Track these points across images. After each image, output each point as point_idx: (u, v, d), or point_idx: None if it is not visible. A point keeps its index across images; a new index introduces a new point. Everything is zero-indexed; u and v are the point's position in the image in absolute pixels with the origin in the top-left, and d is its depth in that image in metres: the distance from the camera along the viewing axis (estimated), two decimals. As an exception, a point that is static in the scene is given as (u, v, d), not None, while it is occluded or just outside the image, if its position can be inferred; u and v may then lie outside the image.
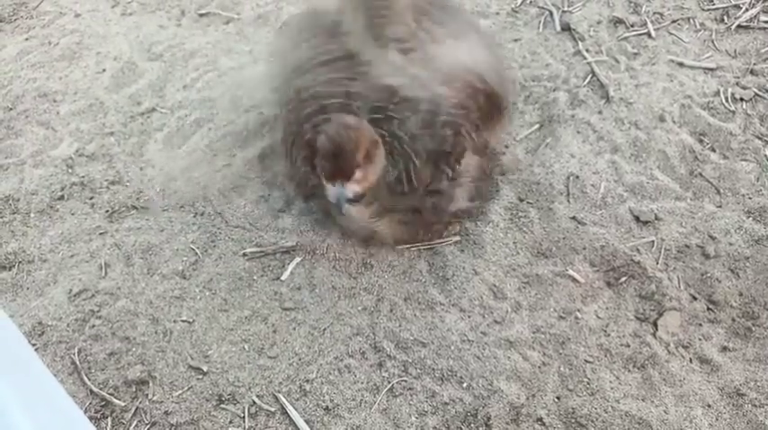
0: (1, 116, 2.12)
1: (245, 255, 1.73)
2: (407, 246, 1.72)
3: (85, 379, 1.52)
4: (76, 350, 1.57)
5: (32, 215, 1.85)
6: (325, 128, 1.43)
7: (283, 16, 2.38)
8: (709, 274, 1.64)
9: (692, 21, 2.21)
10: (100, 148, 2.01)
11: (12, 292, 1.69)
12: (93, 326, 1.61)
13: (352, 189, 1.41)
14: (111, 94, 2.17)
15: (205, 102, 2.12)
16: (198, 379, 1.52)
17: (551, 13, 2.28)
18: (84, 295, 1.67)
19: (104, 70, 2.25)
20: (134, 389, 1.51)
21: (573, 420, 1.44)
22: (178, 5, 2.48)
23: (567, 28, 2.23)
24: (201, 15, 2.43)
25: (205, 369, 1.53)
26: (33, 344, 1.57)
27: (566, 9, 2.29)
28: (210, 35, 2.36)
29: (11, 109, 2.15)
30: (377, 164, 1.45)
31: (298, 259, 1.72)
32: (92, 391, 1.50)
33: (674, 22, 2.22)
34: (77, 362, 1.55)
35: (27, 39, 2.40)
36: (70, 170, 1.96)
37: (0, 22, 2.47)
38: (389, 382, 1.50)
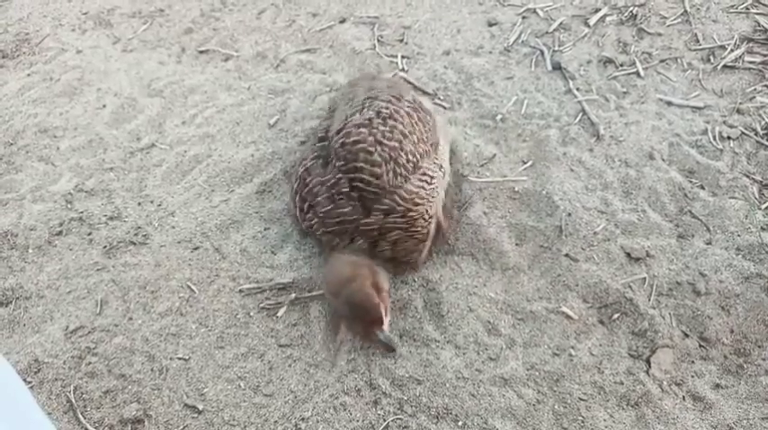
0: (1, 151, 2.15)
1: (241, 291, 1.75)
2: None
3: (81, 417, 1.52)
4: (72, 388, 1.57)
5: (31, 250, 1.87)
6: (342, 293, 1.51)
7: (281, 54, 2.44)
8: (700, 311, 1.66)
9: (679, 60, 2.28)
10: (99, 184, 2.04)
11: (8, 329, 1.69)
12: (90, 363, 1.61)
13: (386, 324, 1.51)
14: (111, 129, 2.20)
15: (204, 138, 2.16)
16: (193, 417, 1.52)
17: (542, 53, 2.35)
18: (81, 332, 1.67)
19: (105, 106, 2.28)
20: (129, 429, 1.50)
21: (568, 459, 1.44)
22: (178, 43, 2.53)
23: (557, 67, 2.29)
24: (201, 52, 2.48)
25: (200, 407, 1.53)
26: (29, 382, 1.57)
27: (556, 49, 2.35)
28: (210, 72, 2.40)
29: (11, 144, 2.18)
30: (384, 283, 1.57)
31: (294, 295, 1.73)
32: (87, 430, 1.50)
33: (662, 61, 2.28)
34: (73, 400, 1.55)
35: (29, 74, 2.44)
36: (69, 205, 1.98)
37: (3, 57, 2.52)
38: (385, 420, 1.51)
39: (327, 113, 1.95)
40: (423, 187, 1.63)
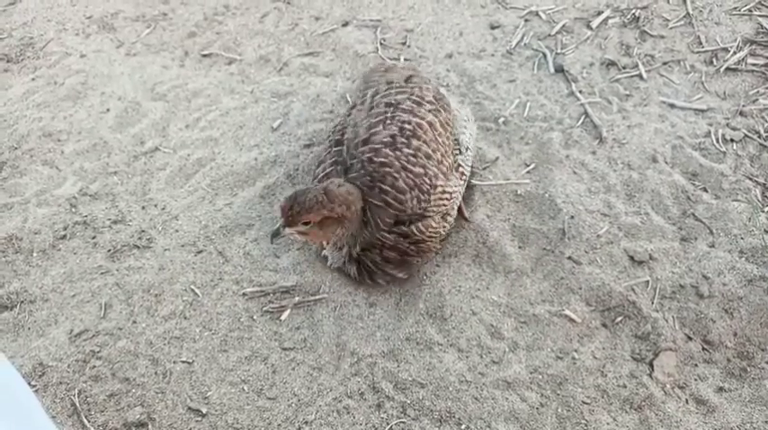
0: (6, 155, 2.16)
1: (244, 294, 1.75)
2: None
3: (85, 421, 1.52)
4: (77, 391, 1.57)
5: (35, 254, 1.88)
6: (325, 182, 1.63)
7: (284, 57, 2.45)
8: (703, 314, 1.66)
9: (682, 63, 2.28)
10: (103, 187, 2.04)
11: (13, 333, 1.70)
12: (94, 367, 1.62)
13: (286, 231, 1.61)
14: (115, 133, 2.21)
15: (207, 141, 2.17)
16: (197, 421, 1.52)
17: (545, 55, 2.35)
18: (85, 335, 1.68)
19: (108, 110, 2.29)
20: (133, 432, 1.51)
21: (571, 463, 1.44)
22: (181, 46, 2.54)
23: (560, 70, 2.29)
24: (204, 56, 2.49)
25: (204, 411, 1.54)
26: (33, 386, 1.58)
27: (559, 51, 2.36)
28: (213, 75, 2.41)
29: (16, 148, 2.19)
30: (328, 230, 1.63)
31: (297, 299, 1.74)
32: (91, 433, 1.51)
33: (664, 64, 2.28)
34: (77, 404, 1.55)
35: (33, 79, 2.45)
36: (73, 209, 1.99)
37: (8, 62, 2.53)
38: (388, 424, 1.51)
39: (346, 112, 1.93)
40: (440, 218, 1.70)
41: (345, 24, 2.56)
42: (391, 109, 1.75)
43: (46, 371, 1.62)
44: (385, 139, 1.68)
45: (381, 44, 2.46)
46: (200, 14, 2.66)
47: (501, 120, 2.14)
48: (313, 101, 2.27)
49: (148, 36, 2.59)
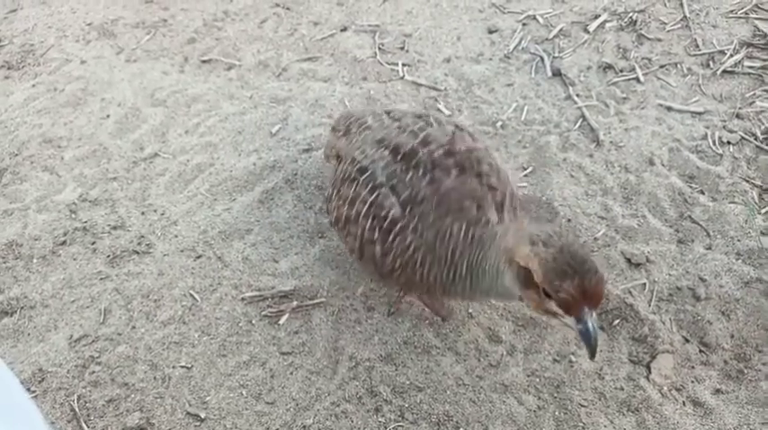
0: (7, 161, 2.18)
1: (243, 299, 1.76)
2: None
3: (84, 426, 1.53)
4: (76, 397, 1.58)
5: (35, 260, 1.89)
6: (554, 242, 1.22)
7: (283, 62, 2.46)
8: (700, 316, 1.66)
9: (679, 66, 2.28)
10: (103, 193, 2.06)
11: (13, 338, 1.71)
12: (93, 372, 1.63)
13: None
14: (115, 139, 2.23)
15: (206, 146, 2.18)
16: (196, 426, 1.53)
17: (542, 59, 2.36)
18: (85, 341, 1.69)
19: (108, 116, 2.31)
20: (132, 437, 1.52)
21: (568, 466, 1.44)
22: (181, 52, 2.55)
23: (557, 73, 2.30)
24: (204, 62, 2.51)
25: (203, 415, 1.55)
26: (33, 391, 1.59)
27: (556, 55, 2.36)
28: (212, 81, 2.42)
29: (16, 154, 2.20)
30: None
31: (295, 303, 1.74)
32: (90, 438, 1.52)
33: (661, 67, 2.28)
34: (77, 409, 1.56)
35: (34, 85, 2.46)
36: (73, 215, 2.00)
37: (8, 68, 2.54)
38: (386, 428, 1.52)
39: (329, 150, 1.78)
40: None
41: (344, 29, 2.58)
42: (433, 117, 1.58)
43: (45, 377, 1.63)
44: (463, 134, 1.51)
45: (380, 49, 2.47)
46: (200, 20, 2.67)
47: (498, 123, 2.15)
48: (312, 106, 2.28)
49: (148, 42, 2.61)
